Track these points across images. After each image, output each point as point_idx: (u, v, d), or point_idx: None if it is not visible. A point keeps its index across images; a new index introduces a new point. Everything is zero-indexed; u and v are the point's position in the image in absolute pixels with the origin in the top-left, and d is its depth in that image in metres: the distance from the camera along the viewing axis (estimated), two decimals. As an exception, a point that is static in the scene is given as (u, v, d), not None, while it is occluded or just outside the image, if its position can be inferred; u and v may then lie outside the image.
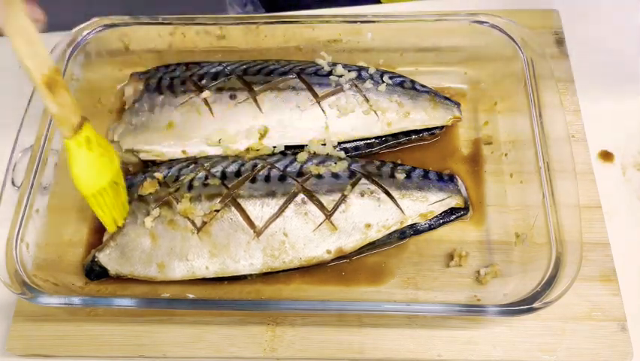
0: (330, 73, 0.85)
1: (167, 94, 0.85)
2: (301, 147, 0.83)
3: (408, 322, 0.73)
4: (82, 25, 0.86)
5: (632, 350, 0.71)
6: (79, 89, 0.85)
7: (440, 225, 0.79)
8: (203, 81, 0.85)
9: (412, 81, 0.87)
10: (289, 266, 0.75)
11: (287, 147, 0.83)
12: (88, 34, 0.86)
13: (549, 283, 0.66)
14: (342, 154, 0.82)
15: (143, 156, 0.83)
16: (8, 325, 0.75)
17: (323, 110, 0.83)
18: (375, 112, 0.83)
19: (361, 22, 0.85)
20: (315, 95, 0.83)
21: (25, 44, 0.61)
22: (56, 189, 0.79)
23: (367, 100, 0.83)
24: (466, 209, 0.79)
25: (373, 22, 0.86)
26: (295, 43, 0.89)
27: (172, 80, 0.86)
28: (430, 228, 0.78)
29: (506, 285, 0.72)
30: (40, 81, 0.63)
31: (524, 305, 0.65)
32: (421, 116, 0.84)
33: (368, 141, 0.85)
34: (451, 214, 0.79)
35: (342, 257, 0.76)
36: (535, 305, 0.65)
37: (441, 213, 0.78)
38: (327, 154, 0.82)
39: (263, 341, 0.73)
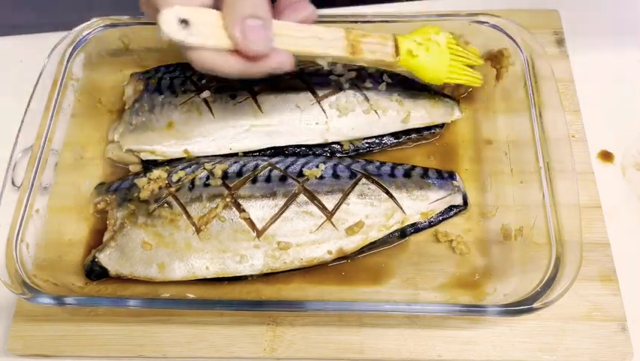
0: (330, 73, 0.85)
1: (167, 94, 0.85)
2: (301, 147, 0.83)
3: (408, 322, 0.73)
4: (82, 25, 0.86)
5: (632, 350, 0.71)
6: (79, 89, 0.86)
7: (440, 221, 0.79)
8: (203, 81, 0.85)
9: (412, 80, 0.86)
10: (290, 267, 0.75)
11: (287, 147, 0.83)
12: (88, 34, 0.86)
13: (549, 284, 0.66)
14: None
15: (144, 156, 0.83)
16: (8, 325, 0.75)
17: (323, 110, 0.83)
18: (375, 111, 0.83)
19: (361, 22, 0.85)
20: (315, 94, 0.83)
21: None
22: (56, 189, 0.79)
23: (367, 99, 0.83)
24: (465, 204, 0.79)
25: (373, 22, 0.86)
26: (295, 43, 0.89)
27: (172, 80, 0.86)
28: (431, 225, 0.78)
29: (506, 285, 0.72)
30: (346, 52, 0.69)
31: (524, 305, 0.65)
32: (421, 114, 0.84)
33: (369, 141, 0.85)
34: (450, 210, 0.79)
35: (343, 257, 0.76)
36: (535, 305, 0.65)
37: (441, 210, 0.78)
38: (329, 155, 0.82)
39: (263, 341, 0.73)
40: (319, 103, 0.83)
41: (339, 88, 0.84)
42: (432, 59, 0.76)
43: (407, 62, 0.75)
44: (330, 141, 0.83)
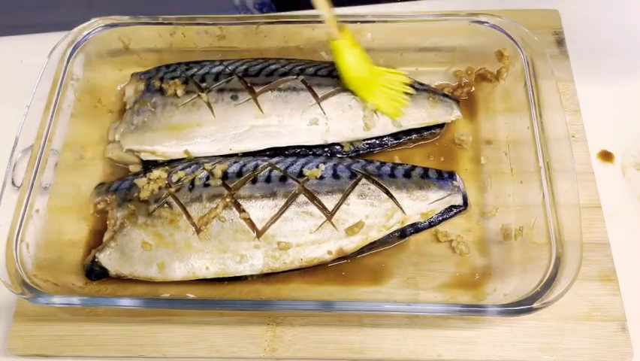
0: (329, 73, 0.85)
1: (168, 94, 0.85)
2: (302, 148, 0.83)
3: (408, 322, 0.73)
4: (82, 25, 0.86)
5: (632, 350, 0.71)
6: (79, 89, 0.86)
7: (440, 222, 0.79)
8: (205, 82, 0.85)
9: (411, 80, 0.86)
10: (290, 267, 0.75)
11: (287, 148, 0.83)
12: (88, 34, 0.86)
13: (549, 284, 0.66)
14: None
15: (144, 156, 0.83)
16: (8, 325, 0.75)
17: (323, 111, 0.83)
18: (375, 112, 0.83)
19: (361, 22, 0.85)
20: (315, 95, 0.83)
21: None
22: (56, 189, 0.79)
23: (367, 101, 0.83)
24: (465, 204, 0.79)
25: (373, 22, 0.86)
26: (295, 43, 0.89)
27: (173, 80, 0.86)
28: (431, 225, 0.78)
29: (506, 285, 0.72)
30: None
31: (524, 305, 0.65)
32: (421, 114, 0.84)
33: (369, 142, 0.85)
34: (450, 210, 0.79)
35: (343, 257, 0.76)
36: (535, 305, 0.65)
37: (441, 211, 0.78)
38: (328, 155, 0.82)
39: (263, 341, 0.73)
40: (319, 104, 0.83)
41: (339, 89, 0.84)
42: (363, 56, 0.81)
43: (345, 45, 0.79)
44: (330, 142, 0.83)
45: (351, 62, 0.79)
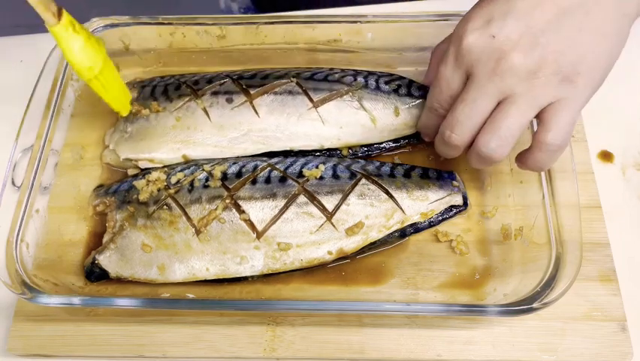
0: (326, 78, 0.84)
1: (161, 100, 0.84)
2: (298, 153, 0.83)
3: (408, 322, 0.73)
4: (82, 26, 0.86)
5: (632, 350, 0.71)
6: (79, 89, 0.86)
7: (440, 222, 0.79)
8: (198, 84, 0.85)
9: (408, 85, 0.85)
10: (290, 268, 0.75)
11: (284, 153, 0.83)
12: (88, 34, 0.86)
13: (549, 284, 0.66)
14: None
15: (143, 165, 0.82)
16: (8, 325, 0.75)
17: (320, 116, 0.82)
18: (372, 120, 0.83)
19: (361, 22, 0.85)
20: (310, 100, 0.83)
21: None
22: (56, 189, 0.79)
23: (364, 107, 0.83)
24: (465, 204, 0.79)
25: (373, 22, 0.86)
26: (295, 43, 0.89)
27: (166, 86, 0.86)
28: (430, 225, 0.78)
29: (506, 285, 0.72)
30: None
31: (524, 305, 0.65)
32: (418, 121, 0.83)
33: (366, 147, 0.84)
34: (450, 210, 0.79)
35: (342, 257, 0.76)
36: (534, 305, 0.65)
37: (441, 211, 0.78)
38: (326, 155, 0.82)
39: (263, 341, 0.73)
40: (316, 108, 0.83)
41: (335, 94, 0.83)
42: (84, 46, 0.69)
43: (63, 32, 0.68)
44: (326, 147, 0.83)
45: (74, 51, 0.69)
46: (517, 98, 0.64)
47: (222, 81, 0.85)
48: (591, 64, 0.63)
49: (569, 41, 0.62)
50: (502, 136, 0.66)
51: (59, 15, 0.67)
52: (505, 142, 0.66)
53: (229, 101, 0.83)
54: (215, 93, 0.84)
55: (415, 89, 0.85)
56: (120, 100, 0.78)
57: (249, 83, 0.84)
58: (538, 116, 0.66)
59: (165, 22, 0.88)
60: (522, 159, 0.70)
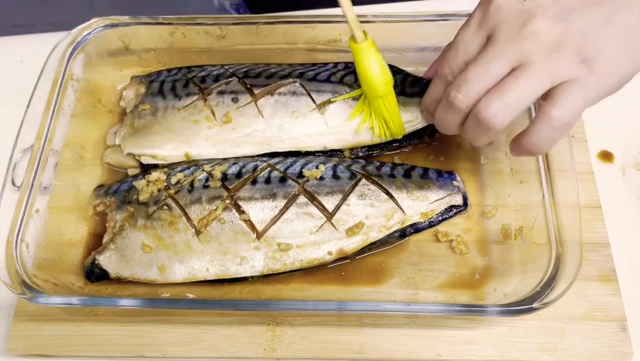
0: (328, 78, 0.84)
1: (169, 97, 0.85)
2: (298, 153, 0.83)
3: (408, 322, 0.73)
4: (82, 25, 0.86)
5: (632, 350, 0.71)
6: (79, 89, 0.86)
7: (440, 222, 0.79)
8: (205, 83, 0.85)
9: (412, 84, 0.85)
10: (290, 268, 0.75)
11: (286, 153, 0.83)
12: (88, 34, 0.86)
13: (549, 284, 0.66)
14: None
15: (145, 160, 0.82)
16: (8, 325, 0.75)
17: (323, 117, 0.82)
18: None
19: (361, 22, 0.85)
20: (313, 101, 0.83)
21: None
22: (56, 189, 0.79)
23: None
24: (465, 204, 0.79)
25: (373, 22, 0.86)
26: (295, 43, 0.89)
27: (174, 82, 0.86)
28: (431, 225, 0.78)
29: (506, 285, 0.72)
30: None
31: (524, 305, 0.65)
32: (420, 120, 0.83)
33: (367, 147, 0.84)
34: (450, 210, 0.79)
35: (343, 258, 0.76)
36: (535, 305, 0.65)
37: (441, 211, 0.78)
38: (328, 156, 0.82)
39: (263, 341, 0.73)
40: (318, 109, 0.82)
41: (338, 95, 0.83)
42: (382, 66, 0.75)
43: (367, 49, 0.74)
44: (329, 148, 0.83)
45: (375, 67, 0.75)
46: (532, 66, 0.61)
47: (228, 80, 0.85)
48: (612, 59, 0.61)
49: (597, 27, 0.60)
50: (506, 100, 0.62)
51: (365, 34, 0.74)
52: (508, 108, 0.62)
53: (234, 100, 0.83)
54: (221, 93, 0.84)
55: (416, 87, 0.85)
56: (396, 123, 0.80)
57: (253, 82, 0.84)
58: (547, 94, 0.62)
59: (165, 22, 0.88)
60: (518, 139, 0.67)
